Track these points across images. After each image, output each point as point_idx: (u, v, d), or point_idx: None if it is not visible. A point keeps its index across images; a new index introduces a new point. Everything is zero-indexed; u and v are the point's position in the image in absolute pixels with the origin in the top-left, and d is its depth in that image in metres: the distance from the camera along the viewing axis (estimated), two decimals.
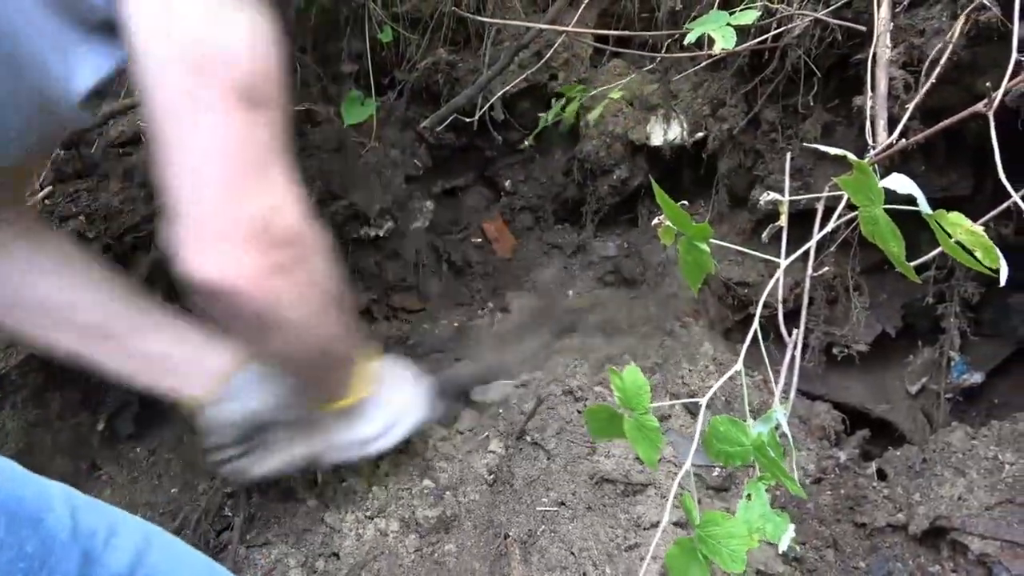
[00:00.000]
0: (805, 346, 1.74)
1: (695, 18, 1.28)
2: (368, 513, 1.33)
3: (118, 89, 1.75)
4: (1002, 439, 1.38)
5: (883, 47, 1.22)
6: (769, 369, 0.93)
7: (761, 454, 0.78)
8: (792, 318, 0.93)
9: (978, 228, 0.74)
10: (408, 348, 1.92)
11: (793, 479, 0.77)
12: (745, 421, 0.80)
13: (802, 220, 1.05)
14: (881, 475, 1.48)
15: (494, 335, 1.96)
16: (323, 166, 1.91)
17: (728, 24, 1.17)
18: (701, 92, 1.88)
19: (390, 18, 1.95)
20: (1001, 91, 0.87)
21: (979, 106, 0.86)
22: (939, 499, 1.33)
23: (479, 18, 1.86)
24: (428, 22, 2.00)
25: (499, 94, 1.89)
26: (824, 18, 1.39)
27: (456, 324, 2.06)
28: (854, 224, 0.98)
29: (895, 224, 0.77)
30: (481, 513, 1.33)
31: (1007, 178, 0.85)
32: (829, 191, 0.94)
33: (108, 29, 0.85)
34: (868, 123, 1.16)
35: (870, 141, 1.12)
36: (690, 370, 1.62)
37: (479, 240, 2.25)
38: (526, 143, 1.87)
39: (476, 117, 1.89)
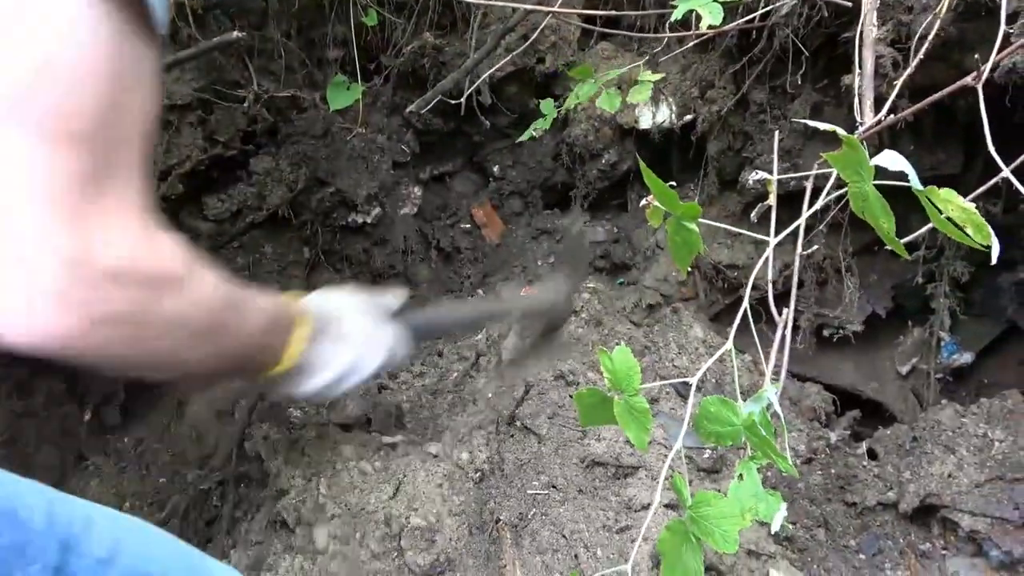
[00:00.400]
0: (796, 328, 1.74)
1: None
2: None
3: None
4: (992, 416, 1.38)
5: (870, 25, 1.21)
6: (760, 351, 0.92)
7: (752, 433, 0.78)
8: (782, 300, 0.92)
9: (969, 204, 0.73)
10: None
11: (785, 457, 0.76)
12: (736, 402, 0.79)
13: (791, 201, 1.04)
14: (871, 455, 1.48)
15: None
16: (308, 153, 1.89)
17: (715, 0, 1.16)
18: (689, 74, 1.87)
19: (375, 2, 1.92)
20: (990, 64, 0.86)
21: (968, 79, 0.85)
22: (929, 477, 1.34)
23: (465, 0, 1.83)
24: (414, 6, 1.97)
25: (484, 76, 1.87)
26: None
27: None
28: (844, 203, 0.98)
29: (885, 202, 0.77)
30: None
31: (997, 156, 0.84)
32: (818, 168, 0.93)
33: None
34: (856, 101, 1.15)
35: (858, 119, 1.12)
36: (680, 353, 1.61)
37: (467, 226, 2.24)
38: (532, 133, 1.74)
39: (463, 99, 1.87)
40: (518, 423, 1.42)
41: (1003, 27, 0.97)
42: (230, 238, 1.89)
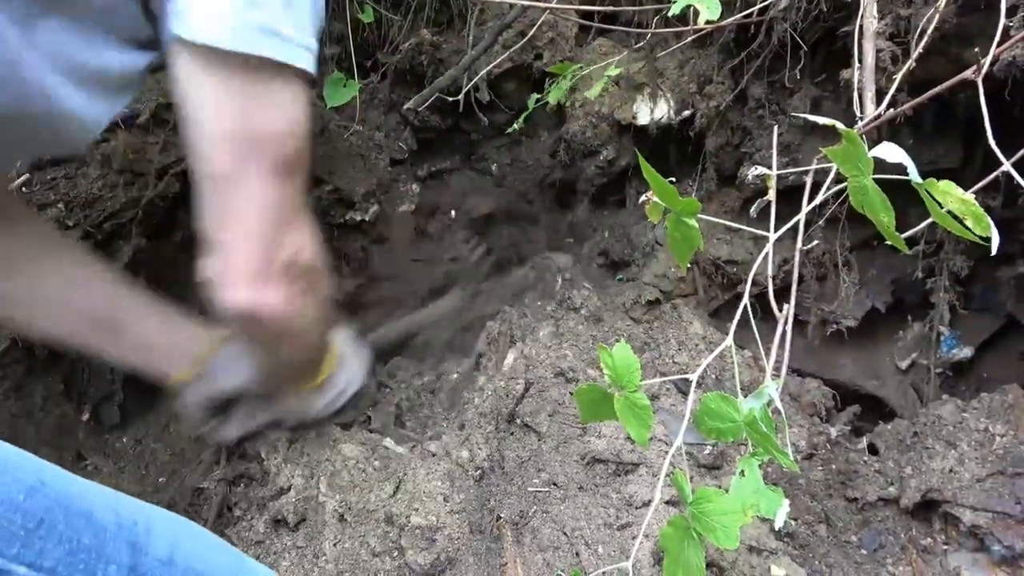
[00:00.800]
0: (796, 323, 1.73)
1: None
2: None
3: None
4: (992, 411, 1.38)
5: (870, 18, 1.20)
6: (760, 346, 0.92)
7: (753, 429, 0.77)
8: (782, 296, 0.92)
9: (969, 196, 0.73)
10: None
11: (786, 453, 0.76)
12: (736, 398, 0.79)
13: (791, 196, 1.04)
14: (872, 450, 1.48)
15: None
16: None
17: None
18: (688, 69, 1.86)
19: None
20: (989, 57, 0.86)
21: (968, 73, 0.85)
22: (930, 472, 1.33)
23: None
24: (410, 3, 1.96)
25: (482, 73, 1.86)
26: None
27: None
28: (843, 198, 0.97)
29: (885, 196, 0.76)
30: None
31: (997, 149, 0.84)
32: (817, 163, 0.93)
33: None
34: (856, 96, 1.15)
35: (858, 114, 1.11)
36: (680, 349, 1.61)
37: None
38: (515, 126, 1.84)
39: (461, 96, 1.86)
40: (518, 421, 1.42)
41: (1003, 20, 0.97)
42: None
